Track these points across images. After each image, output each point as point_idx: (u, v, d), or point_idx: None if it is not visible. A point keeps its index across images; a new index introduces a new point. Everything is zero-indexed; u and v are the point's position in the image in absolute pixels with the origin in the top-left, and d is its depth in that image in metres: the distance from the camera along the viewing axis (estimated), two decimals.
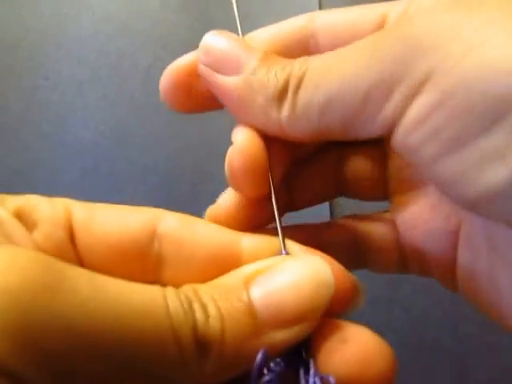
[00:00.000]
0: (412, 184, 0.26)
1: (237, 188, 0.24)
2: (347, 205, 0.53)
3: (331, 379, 0.20)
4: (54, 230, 0.21)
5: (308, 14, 0.25)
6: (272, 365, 0.20)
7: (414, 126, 0.20)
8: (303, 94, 0.22)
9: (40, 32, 0.63)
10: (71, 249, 0.22)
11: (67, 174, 0.60)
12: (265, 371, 0.19)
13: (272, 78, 0.22)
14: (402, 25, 0.20)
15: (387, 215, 0.27)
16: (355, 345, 0.21)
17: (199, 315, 0.19)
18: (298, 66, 0.22)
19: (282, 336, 0.20)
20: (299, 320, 0.20)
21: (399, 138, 0.20)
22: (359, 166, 0.27)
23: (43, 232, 0.21)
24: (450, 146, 0.19)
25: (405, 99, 0.20)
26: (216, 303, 0.19)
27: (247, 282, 0.20)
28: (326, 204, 0.53)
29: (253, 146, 0.23)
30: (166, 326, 0.18)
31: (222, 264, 0.22)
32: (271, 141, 0.23)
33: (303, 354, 0.21)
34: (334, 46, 0.23)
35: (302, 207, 0.27)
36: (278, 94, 0.22)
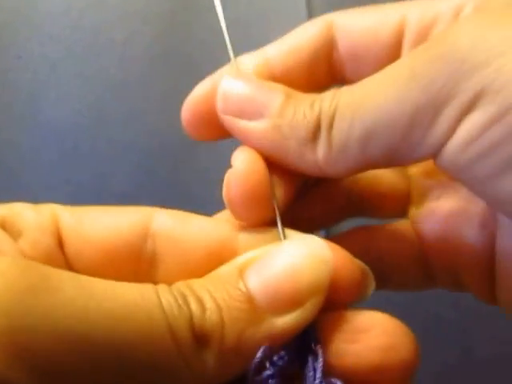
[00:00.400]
0: (435, 191, 0.25)
1: (235, 215, 0.22)
2: None
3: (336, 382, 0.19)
4: (41, 237, 0.21)
5: (321, 19, 0.24)
6: (275, 358, 0.19)
7: (467, 145, 0.19)
8: (338, 132, 0.21)
9: (9, 10, 0.61)
10: (60, 255, 0.21)
11: (45, 155, 0.59)
12: (267, 365, 0.19)
13: (301, 119, 0.21)
14: (441, 42, 0.20)
15: (403, 226, 0.26)
16: (376, 333, 0.20)
17: (195, 308, 0.18)
18: (327, 102, 0.21)
19: (283, 322, 0.19)
20: (299, 302, 0.19)
21: (449, 157, 0.19)
22: (377, 180, 0.26)
23: (29, 240, 0.21)
24: (507, 164, 0.18)
25: (455, 119, 0.19)
26: (212, 295, 0.19)
27: (242, 270, 0.20)
28: None
29: (254, 170, 0.22)
30: (159, 320, 0.17)
31: (219, 259, 0.21)
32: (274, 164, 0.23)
33: (311, 343, 0.20)
34: (353, 56, 0.23)
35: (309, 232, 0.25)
36: (312, 135, 0.21)
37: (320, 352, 0.20)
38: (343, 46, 0.24)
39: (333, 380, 0.20)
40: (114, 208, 0.23)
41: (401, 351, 0.20)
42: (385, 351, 0.20)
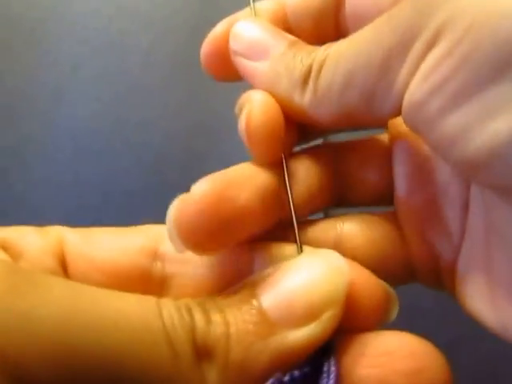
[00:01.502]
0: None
1: (254, 144, 0.22)
2: None
3: None
4: (43, 259, 0.20)
5: None
6: (286, 378, 0.17)
7: (422, 81, 0.18)
8: (324, 77, 0.22)
9: (44, 8, 0.62)
10: (64, 277, 0.20)
11: (60, 152, 0.60)
12: None
13: (298, 63, 0.22)
14: None
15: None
16: (401, 355, 0.19)
17: (198, 319, 0.17)
18: (321, 51, 0.22)
19: (296, 336, 0.18)
20: (314, 315, 0.18)
21: (407, 98, 0.19)
22: (362, 167, 0.25)
23: (29, 261, 0.20)
24: (455, 99, 0.18)
25: (420, 56, 0.19)
26: (220, 308, 0.18)
27: (255, 286, 0.19)
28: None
29: (273, 103, 0.23)
30: (156, 329, 0.16)
31: (235, 278, 0.20)
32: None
33: (326, 363, 0.18)
34: (356, 16, 0.24)
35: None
36: (302, 78, 0.22)
37: (335, 367, 0.18)
38: (349, 3, 0.25)
39: None
40: (121, 229, 0.22)
41: (430, 376, 0.18)
42: (412, 376, 0.18)
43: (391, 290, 0.22)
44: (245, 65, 0.24)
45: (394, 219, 0.25)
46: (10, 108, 0.61)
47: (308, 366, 0.18)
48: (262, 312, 0.18)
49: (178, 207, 0.20)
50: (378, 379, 0.18)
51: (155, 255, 0.21)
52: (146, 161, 0.58)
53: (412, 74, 0.19)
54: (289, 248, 0.22)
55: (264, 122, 0.22)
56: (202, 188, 0.21)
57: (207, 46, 0.25)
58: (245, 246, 0.22)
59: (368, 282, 0.20)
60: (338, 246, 0.23)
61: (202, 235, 0.20)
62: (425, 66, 0.18)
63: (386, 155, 0.25)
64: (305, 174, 0.24)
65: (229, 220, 0.20)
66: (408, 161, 0.24)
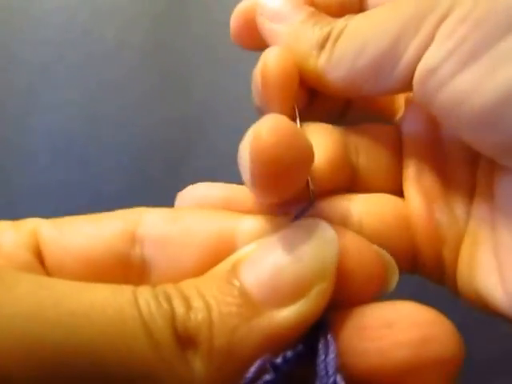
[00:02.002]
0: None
1: (268, 90, 0.24)
2: None
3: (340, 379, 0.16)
4: (18, 253, 0.19)
5: None
6: (278, 360, 0.16)
7: (436, 48, 0.20)
8: (340, 44, 0.23)
9: (1, 16, 0.60)
10: (40, 269, 0.20)
11: (40, 157, 0.58)
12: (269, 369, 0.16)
13: (317, 29, 0.24)
14: None
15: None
16: (404, 326, 0.17)
17: (178, 307, 0.16)
18: (341, 21, 0.24)
19: (284, 315, 0.17)
20: (301, 291, 0.17)
21: (420, 66, 0.20)
22: (372, 154, 0.25)
23: (4, 257, 0.19)
24: (466, 61, 0.19)
25: (434, 27, 0.20)
26: (200, 293, 0.17)
27: (236, 265, 0.18)
28: None
29: (289, 55, 0.24)
30: (132, 320, 0.15)
31: (217, 258, 0.19)
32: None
33: (321, 340, 0.17)
34: None
35: None
36: (320, 43, 0.24)
37: (332, 343, 0.17)
38: None
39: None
40: (97, 216, 0.21)
41: (438, 345, 0.17)
42: (417, 347, 0.17)
43: (389, 256, 0.20)
44: (267, 27, 0.26)
45: (401, 200, 0.24)
46: None
47: (302, 346, 0.17)
48: (244, 292, 0.17)
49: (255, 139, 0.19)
50: (378, 353, 0.17)
51: (133, 239, 0.20)
52: (124, 160, 0.57)
53: (425, 43, 0.20)
54: (275, 221, 0.20)
55: (280, 68, 0.23)
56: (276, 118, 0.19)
57: (236, 17, 0.28)
58: (228, 220, 0.21)
59: (362, 250, 0.19)
60: (345, 222, 0.22)
61: (279, 167, 0.18)
62: (439, 35, 0.20)
63: (395, 140, 0.26)
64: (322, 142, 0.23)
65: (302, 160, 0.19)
66: (417, 143, 0.25)
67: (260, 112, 0.25)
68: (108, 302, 0.15)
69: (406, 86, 0.22)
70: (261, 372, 0.16)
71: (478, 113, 0.19)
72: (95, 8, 0.59)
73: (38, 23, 0.60)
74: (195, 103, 0.49)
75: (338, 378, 0.16)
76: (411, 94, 0.24)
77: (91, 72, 0.58)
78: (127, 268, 0.20)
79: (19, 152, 0.59)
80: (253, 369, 0.16)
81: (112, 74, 0.58)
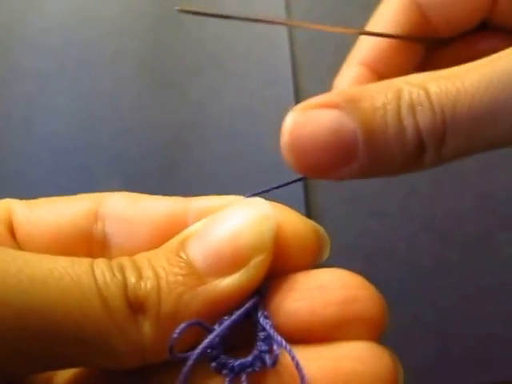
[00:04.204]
0: None
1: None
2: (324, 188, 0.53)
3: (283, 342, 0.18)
4: None
5: None
6: (217, 326, 0.18)
7: None
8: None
9: (3, 25, 0.61)
10: (12, 242, 0.22)
11: (40, 167, 0.59)
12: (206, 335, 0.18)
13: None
14: None
15: None
16: (333, 288, 0.19)
17: (130, 276, 0.18)
18: (415, 89, 0.20)
19: (226, 284, 0.18)
20: (242, 262, 0.19)
21: None
22: None
23: None
24: None
25: None
26: (151, 264, 0.19)
27: (184, 240, 0.19)
28: (300, 187, 0.52)
29: None
30: (88, 287, 0.17)
31: (170, 236, 0.21)
32: None
33: (260, 306, 0.19)
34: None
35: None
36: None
37: (267, 306, 0.19)
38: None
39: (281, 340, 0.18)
40: (68, 197, 0.23)
41: (362, 304, 0.19)
42: (343, 305, 0.19)
43: (322, 230, 0.21)
44: None
45: None
46: None
47: (239, 312, 0.19)
48: (190, 264, 0.19)
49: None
50: (308, 311, 0.19)
51: (95, 216, 0.22)
52: (121, 169, 0.58)
53: None
54: (225, 200, 0.22)
55: None
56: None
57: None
58: (182, 200, 0.22)
59: (298, 224, 0.21)
60: None
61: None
62: None
63: None
64: None
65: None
66: None
67: None
68: (66, 271, 0.17)
69: None
70: (201, 336, 0.18)
71: None
72: (93, 18, 0.60)
73: (38, 34, 0.61)
74: (191, 108, 0.50)
75: (272, 331, 0.19)
76: None
77: (89, 79, 0.59)
78: (90, 243, 0.22)
79: (19, 160, 0.60)
80: (178, 330, 0.17)
81: (110, 87, 0.59)
